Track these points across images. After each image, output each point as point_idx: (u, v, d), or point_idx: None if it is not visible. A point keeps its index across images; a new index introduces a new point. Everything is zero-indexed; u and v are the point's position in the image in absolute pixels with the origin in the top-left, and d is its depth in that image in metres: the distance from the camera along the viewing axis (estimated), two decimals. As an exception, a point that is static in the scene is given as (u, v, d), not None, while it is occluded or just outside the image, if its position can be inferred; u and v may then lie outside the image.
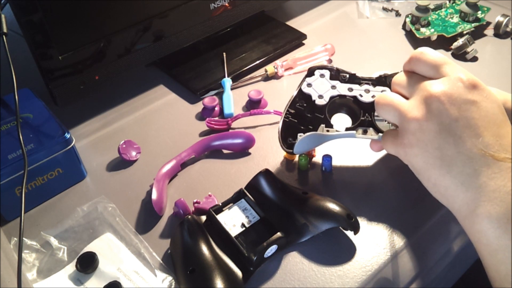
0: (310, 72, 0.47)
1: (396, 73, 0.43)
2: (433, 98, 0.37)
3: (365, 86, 0.45)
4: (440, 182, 0.36)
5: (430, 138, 0.36)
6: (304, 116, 0.45)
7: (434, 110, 0.36)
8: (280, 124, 0.45)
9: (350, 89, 0.45)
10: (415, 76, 0.40)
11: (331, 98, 0.45)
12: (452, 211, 0.37)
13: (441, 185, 0.36)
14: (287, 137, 0.44)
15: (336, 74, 0.46)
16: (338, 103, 0.45)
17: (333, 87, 0.46)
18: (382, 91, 0.44)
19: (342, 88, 0.45)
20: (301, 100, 0.46)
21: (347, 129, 0.44)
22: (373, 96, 0.44)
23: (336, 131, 0.44)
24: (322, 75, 0.46)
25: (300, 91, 0.46)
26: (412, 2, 0.71)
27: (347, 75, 0.46)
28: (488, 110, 0.36)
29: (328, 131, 0.44)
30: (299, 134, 0.44)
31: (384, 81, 0.45)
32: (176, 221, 0.45)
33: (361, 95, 0.44)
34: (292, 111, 0.45)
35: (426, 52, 0.40)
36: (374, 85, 0.45)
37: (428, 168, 0.37)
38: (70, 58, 0.51)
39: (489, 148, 0.35)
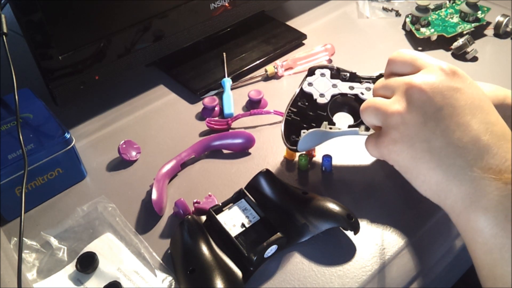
0: (311, 72, 0.47)
1: None
2: (414, 88, 0.35)
3: (366, 84, 0.45)
4: (431, 178, 0.34)
5: (416, 131, 0.34)
6: (306, 114, 0.45)
7: (416, 101, 0.34)
8: (282, 123, 0.45)
9: (351, 88, 0.45)
10: (394, 76, 0.39)
11: (333, 96, 0.45)
12: (444, 209, 0.35)
13: (431, 180, 0.34)
14: (290, 134, 0.44)
15: (337, 73, 0.46)
16: (340, 102, 0.45)
17: (334, 85, 0.46)
18: None
19: (343, 87, 0.45)
20: (303, 99, 0.46)
21: (349, 126, 0.44)
22: None
23: (339, 128, 0.44)
24: (322, 74, 0.46)
25: (301, 90, 0.46)
26: (412, 2, 0.71)
27: (348, 74, 0.46)
28: (474, 96, 0.34)
29: (331, 128, 0.44)
30: (302, 131, 0.44)
31: None
32: (176, 221, 0.45)
33: (362, 93, 0.44)
34: (294, 109, 0.45)
35: (402, 52, 0.39)
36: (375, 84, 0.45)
37: (416, 164, 0.35)
38: (70, 58, 0.51)
39: (480, 136, 0.32)
